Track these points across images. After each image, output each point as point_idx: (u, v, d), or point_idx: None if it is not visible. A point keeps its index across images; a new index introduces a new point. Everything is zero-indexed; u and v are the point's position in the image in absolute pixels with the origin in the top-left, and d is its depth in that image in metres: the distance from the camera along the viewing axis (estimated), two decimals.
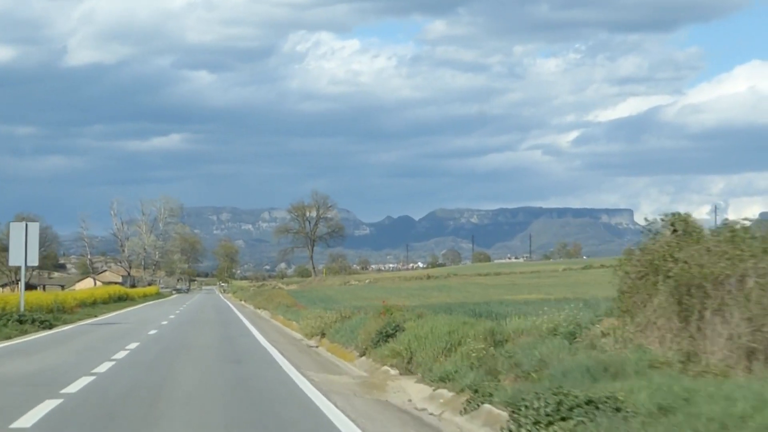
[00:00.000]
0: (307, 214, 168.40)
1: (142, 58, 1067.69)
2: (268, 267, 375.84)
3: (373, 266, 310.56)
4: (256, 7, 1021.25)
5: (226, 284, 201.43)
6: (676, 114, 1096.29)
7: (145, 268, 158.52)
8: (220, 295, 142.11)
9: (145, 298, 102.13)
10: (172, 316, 52.92)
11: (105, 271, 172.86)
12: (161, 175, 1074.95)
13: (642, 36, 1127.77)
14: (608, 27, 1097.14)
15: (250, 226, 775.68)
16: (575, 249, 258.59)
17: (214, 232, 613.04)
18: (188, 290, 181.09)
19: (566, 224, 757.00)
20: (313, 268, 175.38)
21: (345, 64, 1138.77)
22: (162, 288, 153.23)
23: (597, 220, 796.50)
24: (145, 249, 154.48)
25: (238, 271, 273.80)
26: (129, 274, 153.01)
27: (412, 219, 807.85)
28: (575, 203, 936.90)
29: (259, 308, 62.44)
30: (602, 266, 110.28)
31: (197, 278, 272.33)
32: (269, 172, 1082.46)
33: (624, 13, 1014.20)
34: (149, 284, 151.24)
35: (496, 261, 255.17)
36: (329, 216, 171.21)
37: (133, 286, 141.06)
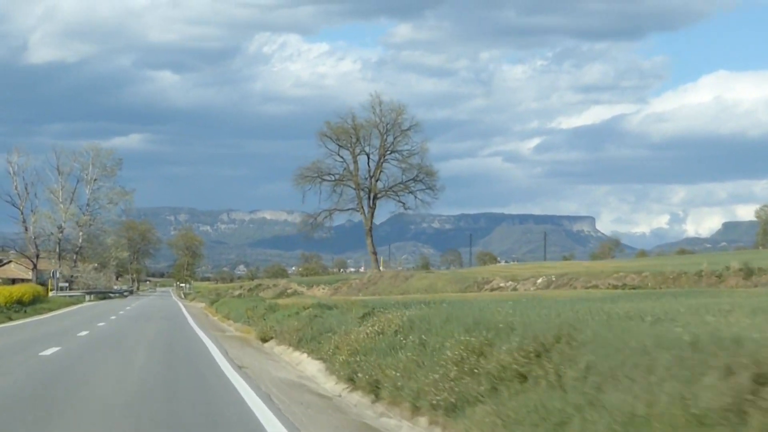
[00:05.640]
0: (362, 144, 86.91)
1: (104, 56, 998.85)
2: (227, 269, 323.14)
3: (351, 269, 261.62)
4: (220, 6, 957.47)
5: (186, 285, 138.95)
6: (639, 123, 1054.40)
7: (60, 258, 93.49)
8: (179, 304, 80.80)
9: None
10: None
11: (10, 262, 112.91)
12: (120, 174, 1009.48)
13: (609, 44, 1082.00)
14: (575, 34, 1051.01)
15: (208, 228, 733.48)
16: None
17: (172, 232, 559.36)
18: (130, 293, 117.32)
19: (528, 231, 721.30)
20: (374, 253, 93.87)
21: (310, 66, 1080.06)
22: (64, 292, 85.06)
23: (559, 227, 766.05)
24: (60, 227, 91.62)
25: (198, 269, 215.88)
26: (35, 266, 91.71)
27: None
28: (536, 210, 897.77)
29: None
30: None
31: (150, 279, 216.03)
32: (228, 173, 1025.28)
33: (591, 21, 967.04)
34: (68, 283, 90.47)
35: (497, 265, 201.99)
36: (406, 148, 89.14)
37: (42, 284, 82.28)
